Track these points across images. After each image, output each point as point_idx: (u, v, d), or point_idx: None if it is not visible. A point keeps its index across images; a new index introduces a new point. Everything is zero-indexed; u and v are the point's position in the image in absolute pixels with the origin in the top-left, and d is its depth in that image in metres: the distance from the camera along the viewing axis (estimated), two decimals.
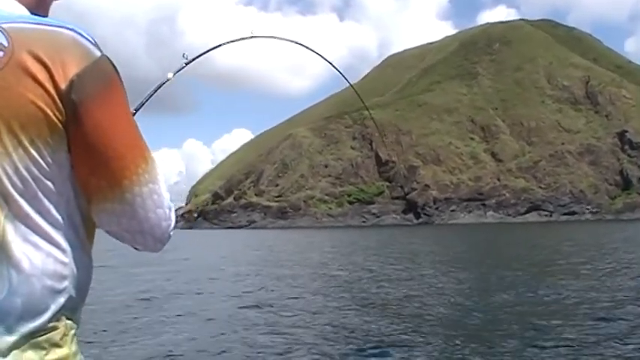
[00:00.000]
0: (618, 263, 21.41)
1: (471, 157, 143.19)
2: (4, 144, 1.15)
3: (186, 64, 2.54)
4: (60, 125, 1.17)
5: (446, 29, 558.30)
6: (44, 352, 1.17)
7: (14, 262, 1.15)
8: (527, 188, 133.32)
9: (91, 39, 1.22)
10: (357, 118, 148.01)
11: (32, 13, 1.28)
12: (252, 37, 3.10)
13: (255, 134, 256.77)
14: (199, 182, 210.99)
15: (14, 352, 1.14)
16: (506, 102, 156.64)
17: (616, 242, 35.51)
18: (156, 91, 2.34)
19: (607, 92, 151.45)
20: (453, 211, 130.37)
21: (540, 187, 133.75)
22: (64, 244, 1.21)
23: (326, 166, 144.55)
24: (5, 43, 1.15)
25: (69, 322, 1.23)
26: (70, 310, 1.23)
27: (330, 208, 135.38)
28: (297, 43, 3.44)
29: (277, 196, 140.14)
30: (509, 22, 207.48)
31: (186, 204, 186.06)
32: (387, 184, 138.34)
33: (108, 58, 1.24)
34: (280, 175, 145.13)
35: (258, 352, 9.22)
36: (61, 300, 1.20)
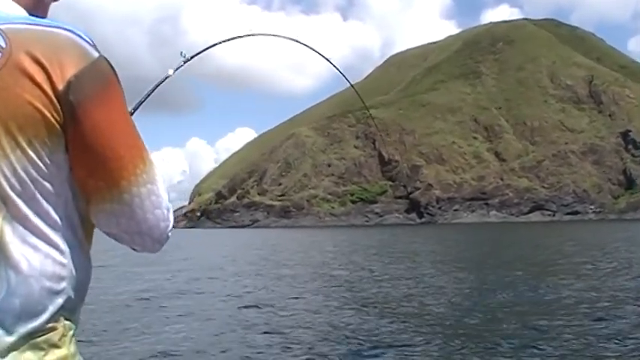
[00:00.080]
0: (620, 263, 21.36)
1: (474, 156, 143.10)
2: (2, 145, 1.15)
3: (185, 62, 2.54)
4: (58, 126, 1.17)
5: (449, 28, 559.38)
6: (43, 353, 1.17)
7: (12, 263, 1.15)
8: (531, 188, 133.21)
9: (88, 40, 1.22)
10: (360, 118, 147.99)
11: (30, 14, 1.28)
12: (250, 34, 3.10)
13: (258, 133, 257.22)
14: (203, 181, 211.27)
15: (13, 353, 1.14)
16: (510, 101, 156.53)
17: (618, 242, 35.42)
18: (154, 89, 2.32)
19: (610, 92, 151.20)
20: (456, 210, 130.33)
21: (543, 187, 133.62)
22: (63, 246, 1.21)
23: (329, 166, 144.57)
24: (3, 45, 1.15)
25: (68, 322, 1.23)
26: (69, 310, 1.23)
27: (333, 208, 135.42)
28: (295, 40, 3.45)
29: (280, 196, 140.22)
30: (512, 21, 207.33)
31: (190, 203, 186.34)
32: (390, 183, 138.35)
33: (106, 59, 1.24)
34: (283, 174, 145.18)
35: (258, 352, 9.22)
36: (60, 301, 1.20)
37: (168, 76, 2.42)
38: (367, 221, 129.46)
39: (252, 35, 3.12)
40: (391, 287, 16.51)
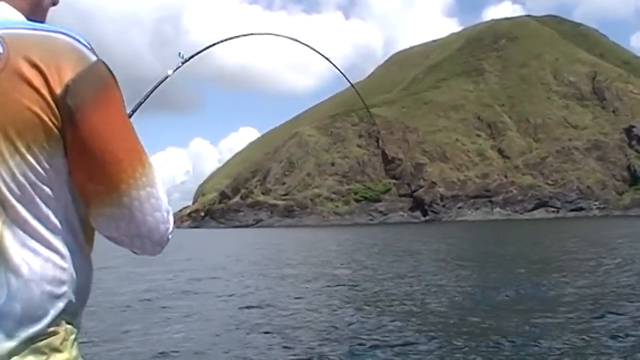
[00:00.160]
0: (624, 259, 21.32)
1: (478, 154, 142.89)
2: (1, 151, 1.15)
3: (183, 63, 2.56)
4: (56, 130, 1.17)
5: (451, 26, 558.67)
6: (44, 357, 1.17)
7: (13, 268, 1.15)
8: (535, 185, 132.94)
9: (86, 44, 1.22)
10: (363, 116, 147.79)
11: (29, 18, 1.29)
12: (249, 34, 3.13)
13: (261, 133, 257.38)
14: (206, 181, 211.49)
15: (14, 357, 1.14)
16: (513, 98, 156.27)
17: (622, 238, 35.35)
18: (153, 90, 2.33)
19: (614, 88, 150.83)
20: (460, 208, 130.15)
21: (547, 184, 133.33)
22: (63, 249, 1.21)
23: (332, 164, 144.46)
24: (1, 50, 1.15)
25: (69, 326, 1.23)
26: (70, 314, 1.23)
27: (337, 207, 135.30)
28: (294, 40, 3.47)
29: (284, 195, 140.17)
30: (514, 18, 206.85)
31: (193, 203, 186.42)
32: (394, 181, 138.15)
33: (104, 63, 1.24)
34: (287, 173, 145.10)
35: (260, 352, 9.23)
36: (61, 305, 1.20)
37: (166, 77, 2.43)
38: (371, 220, 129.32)
39: (250, 35, 3.14)
40: (394, 286, 16.51)
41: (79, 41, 1.21)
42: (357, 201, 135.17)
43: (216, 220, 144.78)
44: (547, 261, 22.34)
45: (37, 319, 1.16)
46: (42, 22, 1.34)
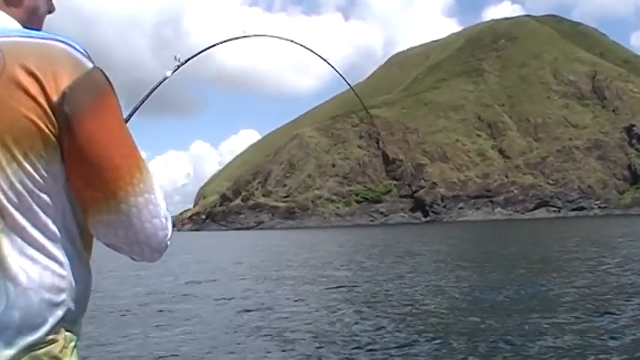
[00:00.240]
0: (624, 259, 21.31)
1: (479, 154, 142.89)
2: None
3: (179, 66, 2.56)
4: (53, 138, 1.17)
5: (451, 26, 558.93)
6: None
7: (11, 276, 1.15)
8: (535, 184, 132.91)
9: (82, 51, 1.22)
10: (363, 117, 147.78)
11: (25, 26, 1.29)
12: (244, 36, 3.12)
13: (262, 135, 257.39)
14: (207, 184, 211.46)
15: None
16: (513, 98, 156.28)
17: (623, 237, 35.34)
18: (149, 94, 2.33)
19: (614, 87, 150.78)
20: (460, 208, 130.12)
21: (548, 183, 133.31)
22: (62, 257, 1.21)
23: (333, 166, 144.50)
24: None
25: (68, 334, 1.23)
26: (70, 322, 1.23)
27: (338, 208, 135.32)
28: (291, 41, 3.46)
29: (285, 197, 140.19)
30: (514, 18, 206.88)
31: (195, 206, 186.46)
32: (395, 182, 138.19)
33: (100, 70, 1.24)
34: (288, 175, 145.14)
35: (259, 355, 9.24)
36: (60, 313, 1.20)
37: (164, 79, 2.43)
38: (372, 221, 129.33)
39: (245, 37, 3.13)
40: (394, 287, 16.51)
41: (75, 48, 1.21)
42: (357, 202, 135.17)
43: (217, 222, 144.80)
44: (548, 261, 22.33)
45: (36, 327, 1.16)
46: (38, 29, 1.35)
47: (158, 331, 11.45)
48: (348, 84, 4.38)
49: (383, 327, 10.88)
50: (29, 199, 1.17)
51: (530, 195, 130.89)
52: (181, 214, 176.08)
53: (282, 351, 9.38)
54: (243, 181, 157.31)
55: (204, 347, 9.88)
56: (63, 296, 1.20)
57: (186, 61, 2.60)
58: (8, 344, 1.13)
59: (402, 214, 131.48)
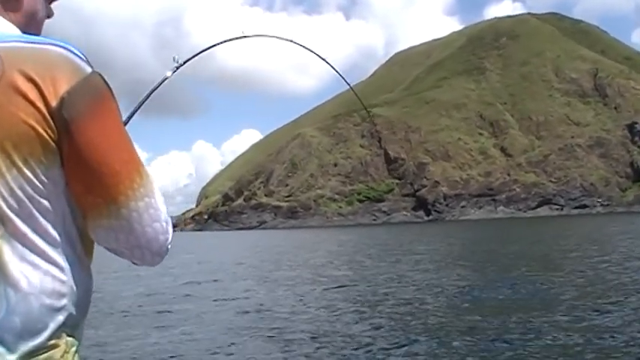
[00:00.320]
0: (627, 256, 21.32)
1: (481, 152, 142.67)
2: None
3: (177, 67, 2.57)
4: (52, 143, 1.17)
5: (452, 25, 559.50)
6: None
7: (12, 282, 1.15)
8: (538, 182, 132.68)
9: (81, 55, 1.22)
10: (365, 116, 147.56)
11: (23, 31, 1.29)
12: (242, 37, 3.16)
13: (264, 134, 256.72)
14: (209, 184, 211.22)
15: None
16: (515, 96, 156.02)
17: (625, 235, 35.31)
18: (147, 97, 2.33)
19: (615, 84, 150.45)
20: (463, 207, 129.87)
21: (551, 181, 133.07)
22: (62, 262, 1.21)
23: (335, 165, 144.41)
24: None
25: (70, 339, 1.23)
26: (71, 327, 1.23)
27: (341, 207, 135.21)
28: (290, 41, 3.50)
29: (287, 196, 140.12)
30: (515, 16, 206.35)
31: (197, 206, 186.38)
32: (397, 181, 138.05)
33: (99, 74, 1.24)
34: (290, 174, 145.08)
35: (259, 356, 9.28)
36: (61, 318, 1.20)
37: (164, 80, 2.44)
38: (375, 220, 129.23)
39: (245, 37, 3.17)
40: (395, 286, 16.53)
41: (74, 53, 1.21)
42: (360, 201, 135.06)
43: (219, 222, 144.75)
44: (549, 259, 22.33)
45: (37, 333, 1.16)
46: (37, 34, 1.35)
47: (159, 331, 11.49)
48: (347, 82, 4.41)
49: (383, 327, 10.91)
50: (29, 205, 1.17)
51: (532, 193, 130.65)
52: (184, 214, 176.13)
53: (283, 351, 9.41)
54: (245, 181, 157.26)
55: (205, 347, 9.92)
56: (64, 301, 1.20)
57: (184, 63, 2.61)
58: (9, 350, 1.14)
59: (404, 213, 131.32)
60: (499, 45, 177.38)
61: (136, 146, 1.28)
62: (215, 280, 20.66)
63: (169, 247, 1.34)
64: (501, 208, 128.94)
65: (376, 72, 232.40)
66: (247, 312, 13.43)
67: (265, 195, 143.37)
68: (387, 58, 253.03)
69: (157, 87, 2.40)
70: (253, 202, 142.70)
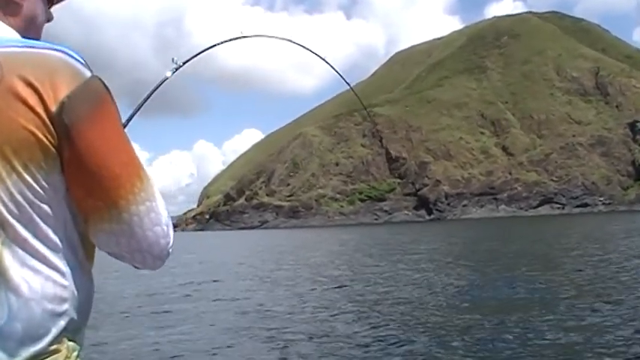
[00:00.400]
0: (628, 255, 21.30)
1: (482, 151, 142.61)
2: None
3: (177, 68, 2.57)
4: (52, 148, 1.17)
5: (453, 24, 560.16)
6: None
7: (13, 287, 1.15)
8: (539, 181, 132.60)
9: (80, 59, 1.22)
10: (366, 116, 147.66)
11: (23, 36, 1.29)
12: (241, 37, 3.16)
13: (265, 134, 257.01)
14: (211, 183, 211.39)
15: None
16: (516, 95, 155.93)
17: (626, 233, 35.30)
18: (151, 94, 2.35)
19: (617, 82, 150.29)
20: (464, 206, 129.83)
21: (552, 180, 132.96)
22: (63, 267, 1.21)
23: (337, 165, 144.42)
24: None
25: (71, 344, 1.23)
26: (72, 331, 1.23)
27: (342, 207, 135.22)
28: (289, 40, 3.51)
29: (289, 196, 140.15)
30: (516, 15, 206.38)
31: (198, 206, 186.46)
32: (399, 180, 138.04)
33: (99, 78, 1.24)
34: (291, 174, 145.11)
35: (258, 354, 9.28)
36: (62, 323, 1.20)
37: (164, 81, 2.44)
38: (376, 219, 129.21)
39: (244, 37, 3.18)
40: (395, 286, 16.49)
41: (74, 57, 1.21)
42: (361, 201, 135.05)
43: (221, 222, 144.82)
44: (549, 258, 22.30)
45: (39, 338, 1.16)
46: (37, 39, 1.35)
47: (159, 331, 11.48)
48: (346, 82, 4.42)
49: (383, 326, 10.89)
50: (30, 211, 1.17)
51: (534, 192, 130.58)
52: (185, 214, 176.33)
53: (283, 351, 9.40)
54: (246, 181, 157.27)
55: (205, 347, 9.91)
56: (65, 306, 1.20)
57: (184, 63, 2.61)
58: (11, 356, 1.13)
59: (405, 212, 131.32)
60: (500, 44, 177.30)
61: (138, 146, 1.30)
62: (216, 280, 20.66)
63: (170, 250, 1.34)
64: (503, 207, 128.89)
65: (377, 71, 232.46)
66: (247, 312, 13.42)
67: (267, 194, 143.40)
68: (388, 58, 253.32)
69: (157, 88, 2.41)
70: (255, 201, 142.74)
